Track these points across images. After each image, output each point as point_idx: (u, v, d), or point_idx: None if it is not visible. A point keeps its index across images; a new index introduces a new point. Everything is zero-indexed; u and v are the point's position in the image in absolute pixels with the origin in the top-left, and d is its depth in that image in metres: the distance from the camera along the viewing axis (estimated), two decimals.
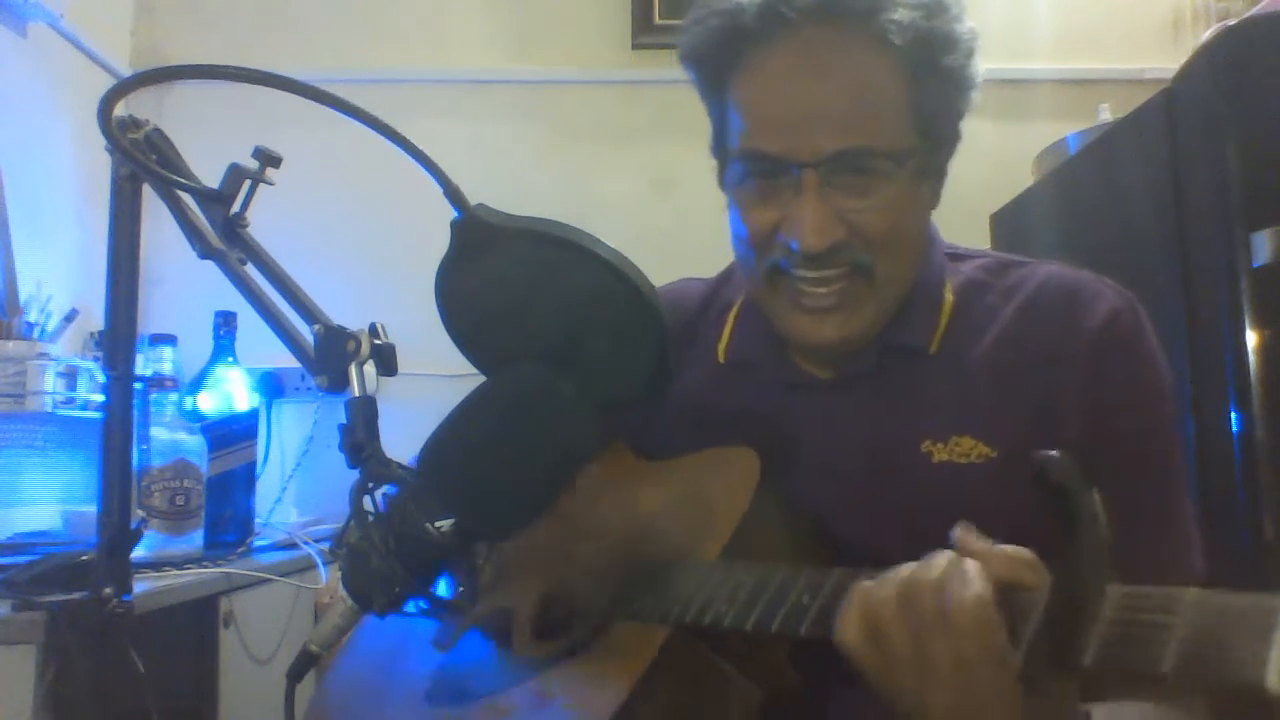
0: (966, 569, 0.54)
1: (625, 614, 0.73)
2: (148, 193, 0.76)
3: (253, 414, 1.63)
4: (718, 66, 0.80)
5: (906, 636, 0.56)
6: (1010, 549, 0.56)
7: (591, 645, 0.74)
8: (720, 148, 0.83)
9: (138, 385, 0.77)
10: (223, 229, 0.72)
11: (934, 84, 0.77)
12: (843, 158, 0.74)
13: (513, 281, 0.67)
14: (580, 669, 0.73)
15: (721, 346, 0.90)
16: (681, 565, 0.72)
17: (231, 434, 1.56)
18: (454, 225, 0.65)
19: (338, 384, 0.66)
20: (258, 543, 1.58)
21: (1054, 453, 0.50)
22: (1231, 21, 1.29)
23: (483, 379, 0.70)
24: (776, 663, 0.71)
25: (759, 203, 0.78)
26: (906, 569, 0.58)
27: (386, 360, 0.67)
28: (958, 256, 0.88)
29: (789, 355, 0.86)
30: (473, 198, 0.65)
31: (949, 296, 0.83)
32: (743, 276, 0.89)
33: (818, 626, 0.60)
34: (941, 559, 0.57)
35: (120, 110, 0.72)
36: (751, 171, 0.78)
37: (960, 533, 0.58)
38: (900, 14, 0.73)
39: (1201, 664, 0.43)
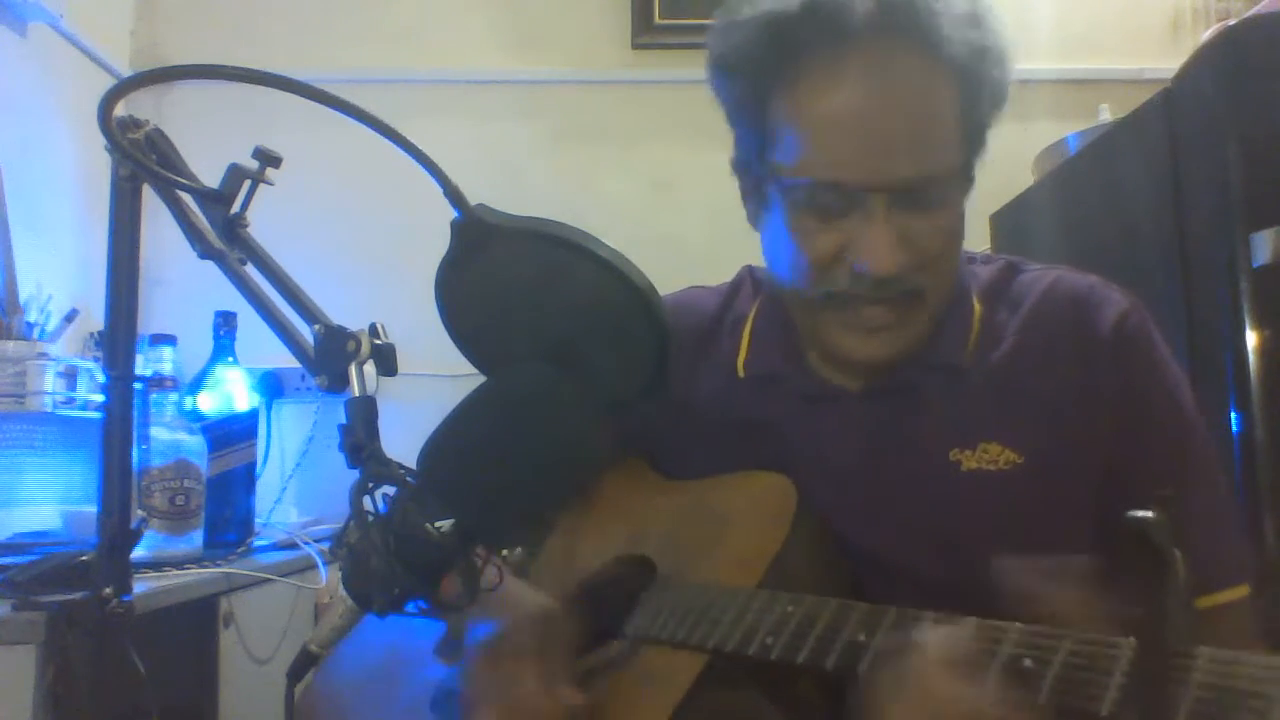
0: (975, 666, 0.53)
1: (658, 638, 0.72)
2: (148, 193, 0.76)
3: (253, 414, 1.62)
4: (763, 77, 0.76)
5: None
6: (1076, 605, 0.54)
7: (620, 668, 0.73)
8: (760, 162, 0.79)
9: (138, 385, 0.76)
10: (223, 229, 0.72)
11: (983, 98, 0.76)
12: (914, 185, 0.72)
13: (513, 281, 0.67)
14: (610, 693, 0.72)
15: (740, 360, 0.89)
16: (718, 591, 0.71)
17: (231, 434, 1.56)
18: (454, 225, 0.65)
19: (338, 384, 0.66)
20: (258, 543, 1.58)
21: (1149, 513, 0.49)
22: (1231, 21, 1.29)
23: (483, 379, 0.69)
24: (807, 693, 0.71)
25: (820, 227, 0.75)
26: (920, 651, 0.55)
27: (386, 360, 0.66)
28: (970, 259, 0.87)
29: (810, 367, 0.85)
30: (473, 198, 0.65)
31: (977, 306, 0.83)
32: (783, 299, 0.86)
33: (878, 666, 0.59)
34: (943, 640, 0.55)
35: (120, 110, 0.72)
36: (816, 200, 0.75)
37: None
38: (958, 29, 0.72)
39: None
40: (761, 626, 0.65)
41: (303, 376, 1.92)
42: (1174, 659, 0.48)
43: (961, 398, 0.79)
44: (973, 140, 0.77)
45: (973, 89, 0.74)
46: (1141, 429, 0.76)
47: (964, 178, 0.76)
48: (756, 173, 0.80)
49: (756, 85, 0.77)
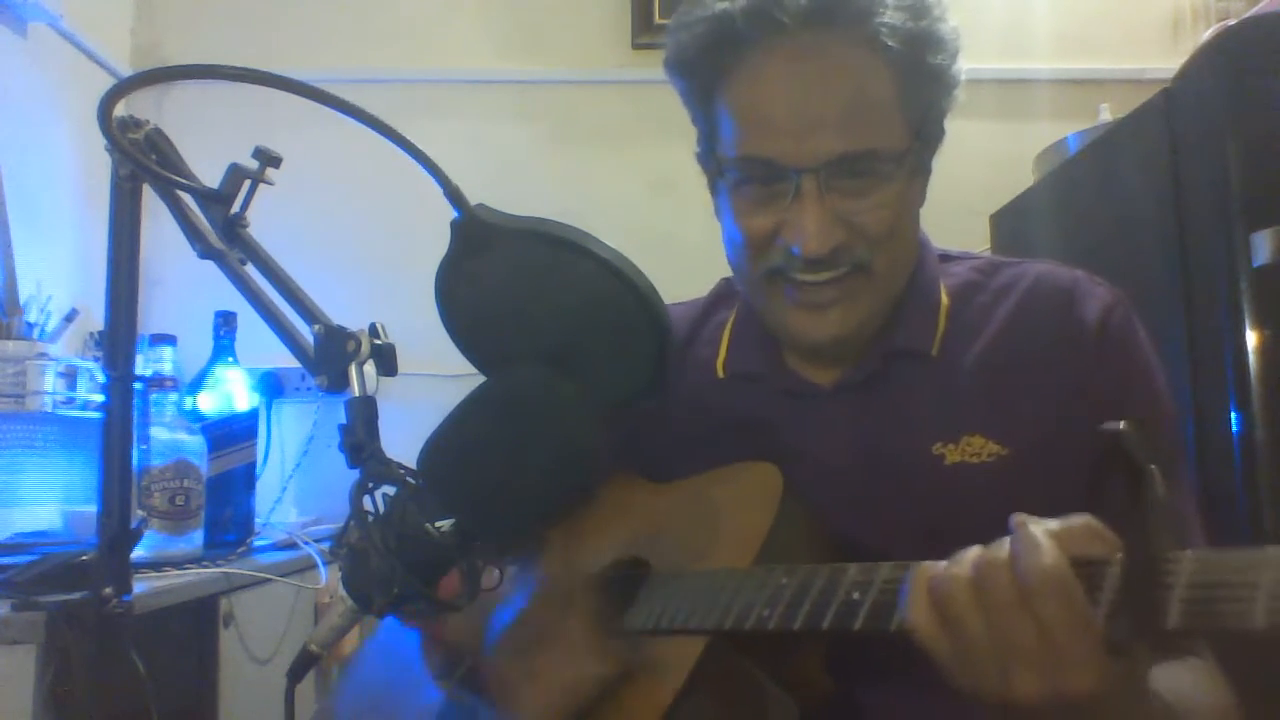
0: (1036, 538, 0.52)
1: (656, 628, 0.72)
2: (148, 193, 0.76)
3: (253, 414, 1.63)
4: (707, 73, 0.80)
5: (983, 619, 0.53)
6: (1071, 520, 0.54)
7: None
8: (710, 155, 0.83)
9: (138, 385, 0.76)
10: (223, 229, 0.72)
11: (923, 84, 0.77)
12: (843, 162, 0.74)
13: (513, 281, 0.67)
14: (612, 690, 0.72)
15: (720, 361, 0.90)
16: (711, 574, 0.72)
17: (231, 434, 1.56)
18: (454, 225, 0.65)
19: (338, 384, 0.65)
20: (258, 543, 1.59)
21: (1121, 424, 0.50)
22: (1231, 21, 1.29)
23: (483, 379, 0.69)
24: (811, 671, 0.71)
25: (756, 208, 0.78)
26: (973, 552, 0.56)
27: (386, 360, 0.66)
28: (948, 258, 0.88)
29: (788, 364, 0.86)
30: (473, 198, 0.65)
31: (944, 299, 0.84)
32: (736, 281, 0.89)
33: (874, 620, 0.58)
34: (1007, 539, 0.54)
35: (120, 110, 0.72)
36: (748, 178, 0.78)
37: (1019, 516, 0.55)
38: (890, 16, 0.73)
39: None
40: (758, 601, 0.65)
41: (303, 376, 1.92)
42: (1160, 562, 0.48)
43: (941, 391, 0.80)
44: (919, 126, 0.78)
45: (911, 75, 0.76)
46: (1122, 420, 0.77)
47: (906, 159, 0.77)
48: (709, 165, 0.84)
49: (703, 82, 0.81)
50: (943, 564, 0.57)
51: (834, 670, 0.72)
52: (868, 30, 0.73)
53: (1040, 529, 0.53)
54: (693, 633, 0.69)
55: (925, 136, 0.79)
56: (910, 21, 0.74)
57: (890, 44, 0.74)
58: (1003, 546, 0.54)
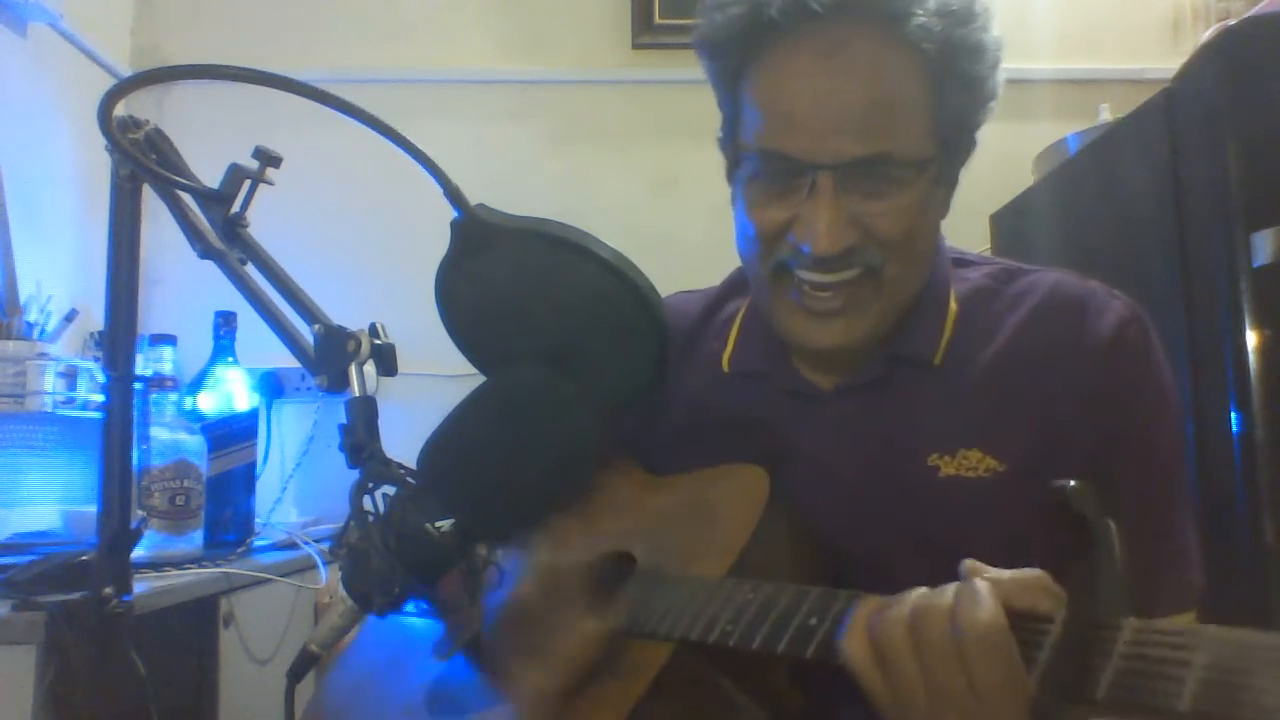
0: (978, 591, 0.53)
1: (628, 630, 0.72)
2: (148, 193, 0.76)
3: (253, 414, 1.63)
4: (736, 57, 0.77)
5: (916, 664, 0.54)
6: (1022, 573, 0.54)
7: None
8: (731, 141, 0.81)
9: (138, 385, 0.76)
10: (223, 229, 0.72)
11: (958, 93, 0.75)
12: (862, 164, 0.72)
13: (513, 281, 0.68)
14: (578, 688, 0.72)
15: (726, 356, 0.89)
16: (686, 581, 0.71)
17: (231, 434, 1.56)
18: (454, 225, 0.65)
19: (338, 384, 0.66)
20: (258, 543, 1.59)
21: (1072, 482, 0.49)
22: (1231, 21, 1.29)
23: (483, 379, 0.70)
24: (778, 683, 0.70)
25: (770, 201, 0.76)
26: (915, 594, 0.56)
27: (386, 360, 0.67)
28: (963, 263, 0.87)
29: (793, 364, 0.85)
30: (473, 198, 0.65)
31: (953, 306, 0.82)
32: (745, 274, 0.87)
33: (824, 650, 0.59)
34: (952, 585, 0.55)
35: (120, 110, 0.72)
36: (765, 170, 0.76)
37: (969, 563, 0.56)
38: (930, 20, 0.71)
39: (1223, 702, 0.42)
40: (723, 614, 0.65)
41: (303, 376, 1.92)
42: (1099, 629, 0.48)
43: (942, 401, 0.79)
44: (948, 134, 0.76)
45: (946, 82, 0.74)
46: (1122, 439, 0.76)
47: (928, 167, 0.75)
48: (728, 151, 0.82)
49: (730, 66, 0.78)
50: (889, 598, 0.57)
51: (804, 685, 0.71)
52: (902, 30, 0.71)
53: (986, 581, 0.53)
54: (661, 639, 0.69)
55: (953, 146, 0.77)
56: (951, 27, 0.72)
57: (925, 47, 0.71)
58: (945, 593, 0.55)
